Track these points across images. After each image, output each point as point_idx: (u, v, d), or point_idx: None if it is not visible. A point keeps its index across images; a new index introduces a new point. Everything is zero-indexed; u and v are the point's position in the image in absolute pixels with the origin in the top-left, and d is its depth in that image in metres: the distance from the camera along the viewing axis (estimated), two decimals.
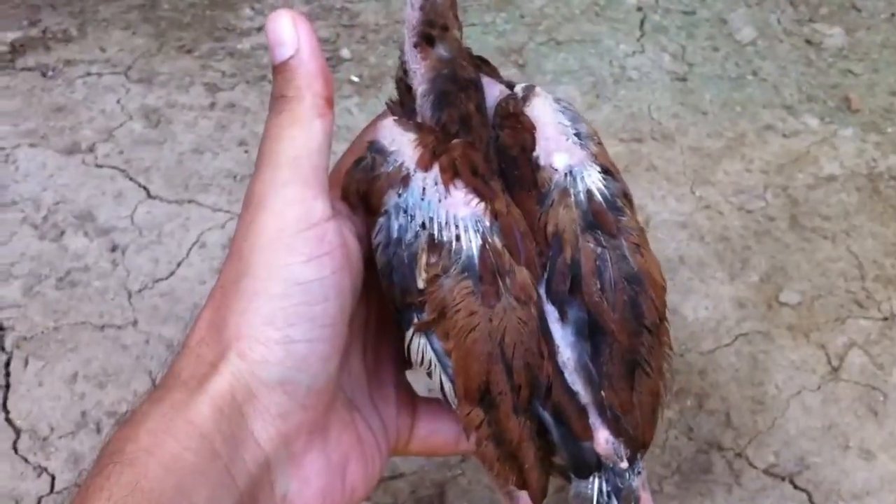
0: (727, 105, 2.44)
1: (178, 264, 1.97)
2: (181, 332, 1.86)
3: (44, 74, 2.36)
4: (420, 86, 0.89)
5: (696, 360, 1.87)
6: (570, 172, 0.84)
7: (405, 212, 0.80)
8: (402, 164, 0.83)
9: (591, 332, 0.80)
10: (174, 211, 2.07)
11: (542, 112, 0.89)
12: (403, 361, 0.89)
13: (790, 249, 2.10)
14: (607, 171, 0.87)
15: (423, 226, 0.79)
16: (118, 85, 2.34)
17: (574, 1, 2.69)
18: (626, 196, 0.89)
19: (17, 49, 2.43)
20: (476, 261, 0.77)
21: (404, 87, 0.92)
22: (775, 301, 2.00)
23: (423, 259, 0.78)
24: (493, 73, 0.96)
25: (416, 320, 0.79)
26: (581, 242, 0.81)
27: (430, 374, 0.82)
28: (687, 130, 2.37)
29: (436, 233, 0.78)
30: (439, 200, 0.80)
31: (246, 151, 2.20)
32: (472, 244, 0.78)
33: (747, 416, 1.78)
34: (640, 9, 2.69)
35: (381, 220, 0.82)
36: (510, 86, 0.97)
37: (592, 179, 0.84)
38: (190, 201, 2.09)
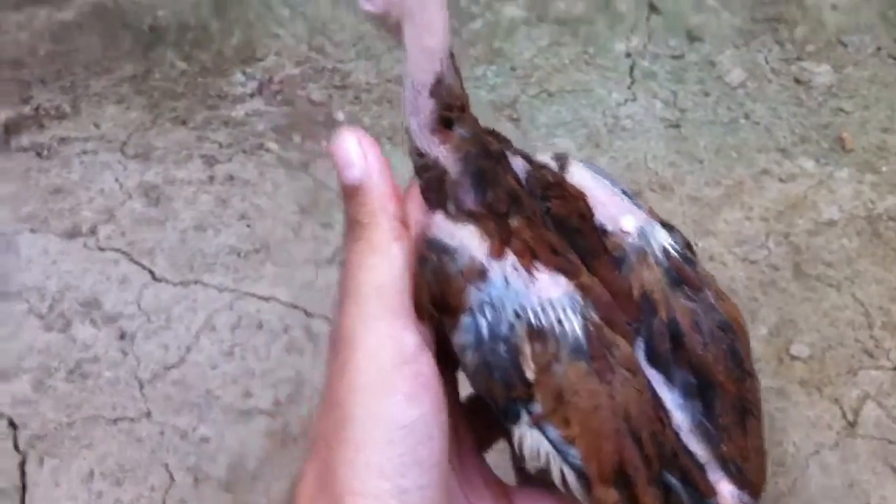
0: (722, 151, 2.45)
1: (188, 349, 1.97)
2: (196, 421, 1.86)
3: (39, 154, 2.35)
4: (450, 169, 0.89)
5: None
6: (642, 233, 0.83)
7: (491, 305, 0.79)
8: (472, 257, 0.82)
9: (699, 389, 0.79)
10: (180, 293, 2.06)
11: (584, 178, 0.90)
12: (483, 457, 0.88)
13: (796, 300, 2.12)
14: (667, 226, 0.89)
15: (516, 315, 0.79)
16: (115, 162, 2.33)
17: (563, 51, 2.70)
18: (689, 246, 0.90)
19: (10, 129, 2.41)
20: (583, 340, 0.75)
21: (428, 172, 0.91)
22: (786, 354, 2.01)
23: (528, 349, 0.76)
24: (505, 142, 0.96)
25: (525, 414, 0.78)
26: (672, 301, 0.80)
27: (544, 469, 0.81)
28: (684, 179, 2.38)
29: (533, 320, 0.77)
30: (526, 287, 0.79)
31: (248, 226, 2.20)
32: (574, 324, 0.76)
33: (768, 478, 1.78)
34: (629, 55, 2.71)
35: (465, 319, 0.80)
36: (524, 155, 0.97)
37: (662, 236, 0.82)
38: (196, 282, 2.08)
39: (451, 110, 0.84)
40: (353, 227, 0.76)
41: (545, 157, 0.94)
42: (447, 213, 0.85)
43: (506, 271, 0.79)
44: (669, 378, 0.81)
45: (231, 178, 2.31)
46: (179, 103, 2.51)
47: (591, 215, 0.87)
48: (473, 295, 0.80)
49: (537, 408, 0.78)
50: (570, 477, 0.81)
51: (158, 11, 2.78)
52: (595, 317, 0.79)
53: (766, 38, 2.76)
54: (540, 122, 2.50)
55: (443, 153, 0.84)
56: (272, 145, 2.41)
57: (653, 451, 0.78)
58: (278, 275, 2.11)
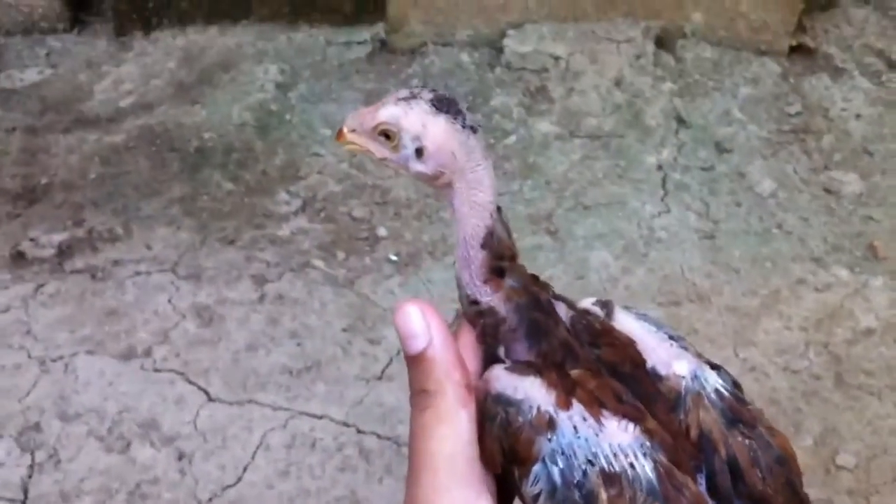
0: (757, 261, 2.51)
1: (245, 468, 2.01)
2: None
3: (93, 276, 2.43)
4: (505, 318, 0.91)
5: None
6: (695, 376, 0.90)
7: (563, 454, 0.83)
8: (539, 408, 0.88)
9: None
10: (235, 413, 2.11)
11: (630, 324, 0.95)
12: None
13: (839, 409, 2.15)
14: (715, 367, 0.92)
15: (589, 462, 0.82)
16: (167, 283, 2.40)
17: (596, 165, 2.79)
18: (737, 385, 0.96)
19: (64, 251, 2.50)
20: (656, 483, 0.81)
21: (484, 318, 0.97)
22: (832, 465, 2.03)
23: (604, 494, 0.81)
24: (545, 288, 1.01)
25: None
26: (731, 439, 0.87)
27: None
28: (722, 290, 2.43)
29: (606, 466, 0.82)
30: (596, 434, 0.83)
31: (298, 344, 2.26)
32: (646, 468, 0.82)
33: None
34: (660, 167, 2.79)
35: (536, 468, 0.85)
36: (566, 301, 1.03)
37: (714, 378, 0.90)
38: (250, 401, 2.13)
39: (502, 259, 0.92)
40: (420, 395, 0.80)
41: (587, 303, 1.00)
42: (507, 367, 0.89)
43: (574, 420, 0.85)
44: None
45: (280, 297, 2.37)
46: (227, 223, 2.59)
47: (643, 361, 0.92)
48: (544, 445, 0.84)
49: None
50: None
51: (204, 133, 2.89)
52: (663, 459, 0.84)
53: (793, 149, 2.84)
54: (577, 235, 2.57)
55: (495, 301, 0.91)
56: (318, 262, 2.48)
57: None
58: (329, 392, 2.16)
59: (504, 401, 0.87)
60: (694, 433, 0.88)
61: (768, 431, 0.91)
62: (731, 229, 2.60)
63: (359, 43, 3.26)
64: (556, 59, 3.08)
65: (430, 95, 0.88)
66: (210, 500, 1.95)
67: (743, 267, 2.49)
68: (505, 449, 0.87)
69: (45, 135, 2.88)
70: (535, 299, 0.92)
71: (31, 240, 2.52)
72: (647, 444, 0.84)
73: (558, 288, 0.95)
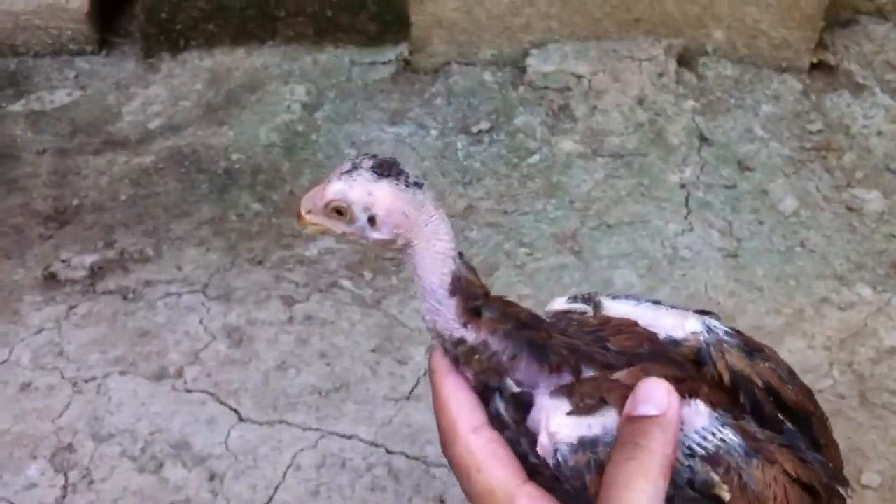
0: (780, 280, 2.52)
1: (276, 489, 2.04)
2: None
3: (125, 297, 2.47)
4: (501, 350, 0.94)
5: None
6: (709, 328, 0.99)
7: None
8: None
9: (798, 422, 0.99)
10: (266, 433, 2.14)
11: (622, 308, 1.02)
12: None
13: (864, 428, 2.16)
14: (705, 313, 1.02)
15: (690, 457, 0.88)
16: (198, 304, 2.44)
17: (620, 183, 2.81)
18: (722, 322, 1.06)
19: (95, 273, 2.54)
20: (744, 443, 0.90)
21: (478, 355, 0.95)
22: (858, 484, 2.04)
23: (716, 477, 0.88)
24: (517, 306, 1.01)
25: None
26: (758, 368, 0.98)
27: None
28: (745, 309, 2.45)
29: (704, 452, 0.89)
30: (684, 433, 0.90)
31: (328, 364, 2.29)
32: (730, 435, 0.90)
33: None
34: (683, 186, 2.81)
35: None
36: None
37: (717, 324, 1.01)
38: (280, 422, 2.17)
39: (476, 299, 0.95)
40: (628, 446, 0.82)
41: (558, 305, 1.05)
42: (568, 412, 0.91)
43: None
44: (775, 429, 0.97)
45: (309, 317, 2.41)
46: (256, 244, 2.63)
47: (656, 335, 0.98)
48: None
49: None
50: None
51: (232, 154, 2.93)
52: (732, 420, 0.93)
53: (815, 167, 2.86)
54: (601, 254, 2.59)
55: (482, 337, 0.94)
56: (346, 283, 2.52)
57: (826, 499, 0.95)
58: (359, 413, 2.19)
59: (588, 443, 0.89)
60: (727, 378, 0.97)
61: (770, 350, 1.04)
62: (755, 248, 2.62)
63: (383, 63, 3.30)
64: (579, 77, 3.11)
65: (371, 163, 0.91)
66: None
67: (766, 285, 2.51)
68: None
69: (76, 156, 2.93)
70: (518, 320, 0.95)
71: (63, 261, 2.57)
72: (717, 414, 0.92)
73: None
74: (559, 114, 3.04)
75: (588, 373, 0.93)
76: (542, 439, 0.90)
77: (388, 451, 2.12)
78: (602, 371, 0.93)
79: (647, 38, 3.16)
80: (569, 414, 0.90)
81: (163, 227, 2.68)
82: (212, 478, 2.06)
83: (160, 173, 2.87)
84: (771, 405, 0.97)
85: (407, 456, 2.11)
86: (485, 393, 0.94)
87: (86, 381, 2.26)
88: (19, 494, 2.05)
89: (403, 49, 3.31)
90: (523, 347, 0.94)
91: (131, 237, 2.64)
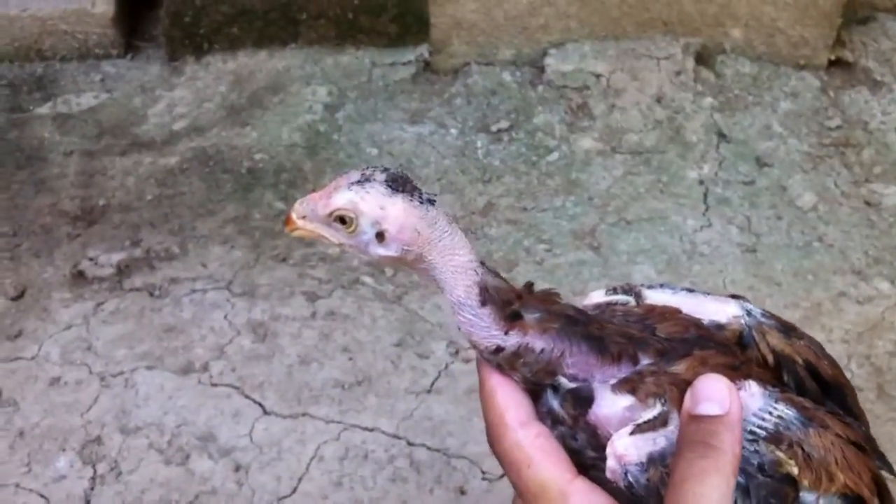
0: (799, 274, 2.54)
1: (300, 479, 2.08)
2: None
3: (151, 294, 2.52)
4: (551, 348, 0.93)
5: None
6: (748, 312, 1.02)
7: None
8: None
9: (834, 394, 1.01)
10: (290, 426, 2.18)
11: (664, 297, 1.03)
12: None
13: (881, 421, 2.17)
14: (738, 297, 1.05)
15: (753, 441, 0.90)
16: (223, 300, 2.48)
17: (638, 180, 2.84)
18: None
19: (122, 270, 2.59)
20: (800, 415, 0.92)
21: (522, 359, 0.94)
22: None
23: (781, 455, 0.90)
24: (557, 298, 1.00)
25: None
26: (797, 347, 1.00)
27: None
28: (764, 303, 2.46)
29: (765, 433, 0.91)
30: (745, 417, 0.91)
31: (350, 359, 2.33)
32: (786, 410, 0.92)
33: None
34: (701, 182, 2.83)
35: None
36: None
37: (753, 306, 1.03)
38: (304, 414, 2.21)
39: (511, 304, 0.93)
40: (699, 445, 0.83)
41: (598, 297, 1.05)
42: (631, 431, 0.91)
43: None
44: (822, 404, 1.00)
45: (332, 313, 2.45)
46: (279, 242, 2.67)
47: (700, 321, 1.00)
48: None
49: (809, 497, 0.92)
50: None
51: (255, 155, 2.98)
52: (782, 394, 0.95)
53: (833, 162, 2.87)
54: (620, 250, 2.61)
55: (530, 338, 0.93)
56: (367, 279, 2.55)
57: (875, 461, 0.98)
58: (381, 406, 2.22)
59: (657, 459, 0.89)
60: (771, 358, 0.99)
61: (800, 329, 1.06)
62: (773, 243, 2.63)
63: (403, 64, 3.34)
64: (598, 76, 3.13)
65: (384, 176, 0.88)
66: None
67: (785, 280, 2.53)
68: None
69: (102, 158, 2.99)
70: (567, 316, 0.94)
71: (91, 259, 2.62)
72: (768, 391, 0.94)
73: None
74: (578, 112, 3.07)
75: (645, 360, 0.93)
76: (611, 464, 0.89)
77: (410, 444, 2.15)
78: (657, 358, 0.93)
79: (664, 37, 3.18)
80: (632, 434, 0.90)
81: (188, 225, 2.72)
82: (237, 469, 2.10)
83: (185, 173, 2.92)
84: (812, 381, 0.99)
85: (428, 448, 2.14)
86: (534, 389, 0.93)
87: (113, 376, 2.31)
88: (48, 486, 2.10)
89: (423, 50, 3.34)
90: (580, 342, 0.93)
91: (157, 236, 2.69)
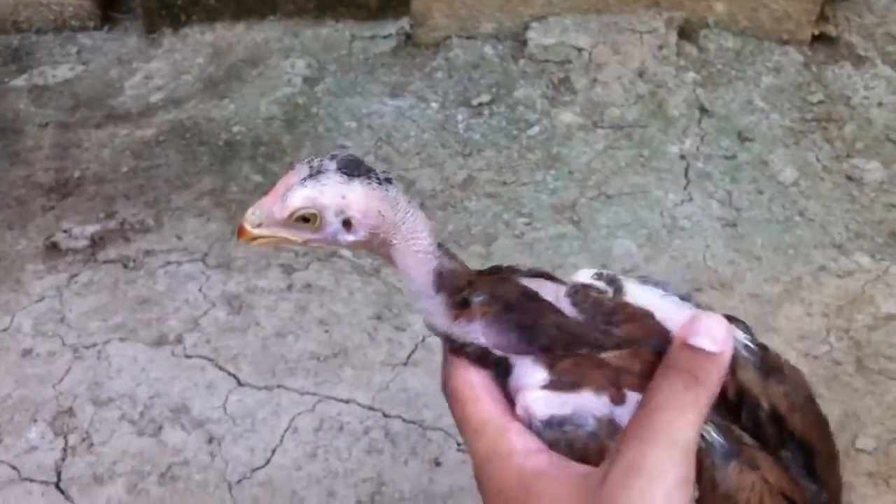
0: (779, 248, 2.52)
1: (273, 451, 2.05)
2: None
3: (125, 266, 2.48)
4: (487, 340, 0.91)
5: None
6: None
7: None
8: (595, 416, 0.87)
9: (804, 454, 0.93)
10: (264, 398, 2.16)
11: (644, 296, 0.96)
12: None
13: (860, 394, 2.16)
14: (732, 319, 0.94)
15: None
16: (198, 272, 2.45)
17: (619, 154, 2.82)
18: (749, 330, 1.00)
19: (97, 242, 2.56)
20: (725, 443, 0.86)
21: (468, 348, 0.93)
22: (852, 448, 2.05)
23: None
24: (516, 273, 0.98)
25: None
26: (770, 390, 0.92)
27: None
28: (744, 277, 2.45)
29: None
30: None
31: (326, 331, 2.30)
32: (713, 433, 0.85)
33: None
34: (682, 157, 2.81)
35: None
36: (548, 276, 1.03)
37: (739, 335, 0.94)
38: (278, 386, 2.18)
39: (461, 291, 0.92)
40: (686, 374, 0.80)
41: (584, 276, 0.98)
42: (545, 384, 0.88)
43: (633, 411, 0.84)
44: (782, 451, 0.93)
45: (308, 285, 2.42)
46: None
47: (667, 331, 0.92)
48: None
49: None
50: None
51: (233, 127, 2.94)
52: (718, 418, 0.88)
53: (815, 137, 2.86)
54: (600, 224, 2.59)
55: (472, 329, 0.91)
56: (345, 252, 2.53)
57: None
58: (357, 378, 2.20)
59: (557, 423, 0.87)
60: (731, 393, 0.90)
61: (792, 372, 0.97)
62: (754, 217, 2.62)
63: (384, 37, 3.30)
64: (580, 50, 3.11)
65: (335, 164, 0.86)
66: (239, 481, 2.00)
67: (765, 254, 2.51)
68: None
69: (78, 130, 2.95)
70: (506, 302, 0.92)
71: (65, 231, 2.58)
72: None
73: None
74: (559, 86, 3.05)
75: (606, 356, 0.89)
76: (519, 411, 0.88)
77: (385, 415, 2.13)
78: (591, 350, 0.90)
79: (647, 11, 3.16)
80: (543, 388, 0.88)
81: (164, 198, 2.69)
82: (210, 440, 2.07)
83: (161, 146, 2.88)
84: (772, 428, 0.92)
85: (404, 420, 2.12)
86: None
87: (86, 348, 2.28)
88: (20, 458, 2.07)
89: (404, 23, 3.31)
90: (511, 330, 0.91)
91: (132, 208, 2.66)
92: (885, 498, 1.94)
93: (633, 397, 0.85)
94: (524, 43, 3.19)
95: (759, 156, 2.81)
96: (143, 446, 2.07)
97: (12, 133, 2.92)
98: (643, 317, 0.93)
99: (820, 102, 2.96)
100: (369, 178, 0.86)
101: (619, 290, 0.96)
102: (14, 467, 2.05)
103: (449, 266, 0.91)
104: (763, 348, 0.96)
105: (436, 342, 2.27)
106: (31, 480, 2.02)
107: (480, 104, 3.02)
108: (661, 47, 3.09)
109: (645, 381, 0.85)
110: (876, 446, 2.05)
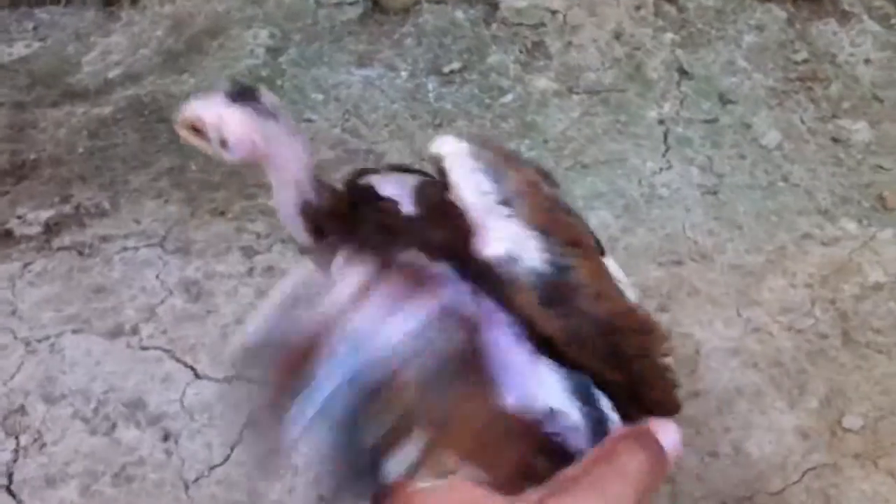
0: (762, 216, 2.42)
1: (232, 448, 1.96)
2: None
3: (80, 253, 2.38)
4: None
5: (767, 501, 1.83)
6: (510, 258, 0.96)
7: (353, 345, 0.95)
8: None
9: (598, 384, 0.95)
10: (223, 390, 2.06)
11: (464, 189, 1.01)
12: None
13: (846, 369, 2.07)
14: (544, 231, 0.98)
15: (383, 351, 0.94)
16: (155, 258, 2.35)
17: (596, 121, 2.70)
18: (571, 243, 1.00)
19: (51, 228, 2.45)
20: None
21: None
22: (839, 427, 1.96)
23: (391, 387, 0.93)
24: (372, 171, 1.14)
25: None
26: (547, 322, 0.94)
27: None
28: (725, 248, 2.35)
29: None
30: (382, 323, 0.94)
31: None
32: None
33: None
34: (661, 122, 2.69)
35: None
36: (400, 168, 1.21)
37: (533, 255, 0.96)
38: (238, 378, 2.08)
39: (319, 221, 1.07)
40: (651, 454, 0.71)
41: (439, 146, 1.11)
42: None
43: (372, 311, 0.91)
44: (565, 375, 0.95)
45: (270, 268, 2.32)
46: (217, 194, 2.53)
47: (471, 240, 0.98)
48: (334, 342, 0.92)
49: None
50: None
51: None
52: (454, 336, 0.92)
53: (800, 98, 2.74)
54: (576, 195, 2.48)
55: (326, 249, 1.06)
56: None
57: None
58: None
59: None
60: (514, 312, 0.96)
61: (594, 299, 0.97)
62: (735, 183, 2.51)
63: (350, 4, 3.17)
64: (553, 13, 2.98)
65: (227, 88, 1.00)
66: (196, 480, 1.91)
67: (747, 223, 2.41)
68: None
69: (33, 109, 2.83)
70: (332, 213, 1.06)
71: (19, 217, 2.48)
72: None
73: None
74: (533, 51, 2.92)
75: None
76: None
77: None
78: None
79: None
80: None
81: (120, 179, 2.58)
82: (166, 438, 1.98)
83: (119, 124, 2.77)
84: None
85: None
86: None
87: (39, 341, 2.18)
88: None
89: None
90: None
91: (88, 191, 2.55)
92: (873, 479, 1.86)
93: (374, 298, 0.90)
94: (496, 6, 3.06)
95: (741, 118, 2.69)
96: (97, 445, 1.98)
97: None
98: (454, 218, 0.99)
99: (804, 61, 2.84)
100: (252, 108, 0.98)
101: (443, 173, 1.04)
102: None
103: (315, 201, 1.05)
104: (563, 270, 0.97)
105: None
106: None
107: (451, 72, 2.90)
108: (638, 7, 2.96)
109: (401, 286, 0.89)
110: (864, 424, 1.96)
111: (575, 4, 2.97)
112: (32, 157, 2.67)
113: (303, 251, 1.14)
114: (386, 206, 1.03)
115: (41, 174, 2.62)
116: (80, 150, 2.68)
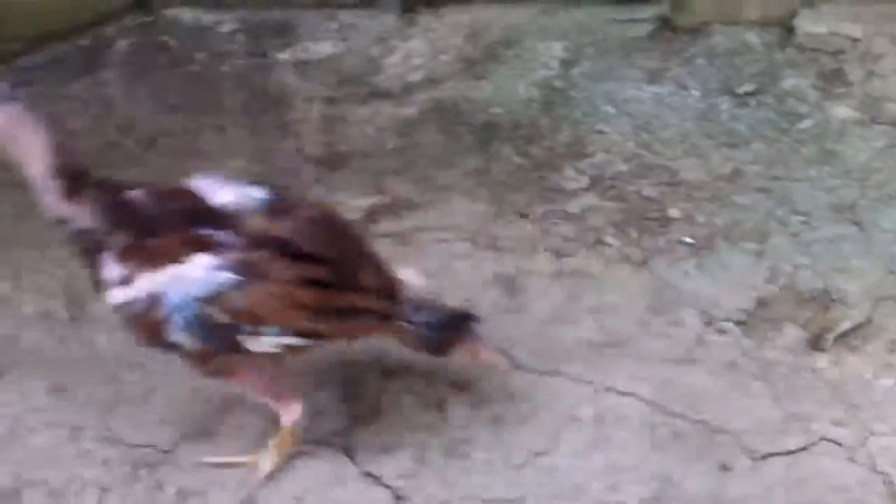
0: None
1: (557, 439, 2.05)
2: None
3: (399, 241, 2.53)
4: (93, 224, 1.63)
5: None
6: (240, 197, 1.71)
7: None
8: None
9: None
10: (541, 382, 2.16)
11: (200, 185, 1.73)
12: None
13: None
14: (264, 185, 1.80)
15: (197, 301, 1.65)
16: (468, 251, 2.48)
17: None
18: (286, 188, 1.83)
19: (370, 216, 2.61)
20: (239, 279, 1.64)
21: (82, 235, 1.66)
22: None
23: (214, 310, 1.65)
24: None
25: None
26: (273, 226, 1.68)
27: None
28: None
29: (208, 294, 1.65)
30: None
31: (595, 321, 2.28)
32: (227, 275, 1.63)
33: None
34: None
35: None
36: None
37: (257, 193, 1.70)
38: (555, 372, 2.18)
39: (74, 179, 1.55)
40: None
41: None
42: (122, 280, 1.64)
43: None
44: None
45: (576, 272, 2.41)
46: (519, 196, 2.64)
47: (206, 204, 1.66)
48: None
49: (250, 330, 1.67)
50: None
51: (492, 109, 2.96)
52: (233, 259, 1.63)
53: None
54: (885, 227, 2.46)
55: (79, 212, 1.57)
56: (611, 240, 2.50)
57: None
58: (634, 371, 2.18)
59: (122, 307, 1.66)
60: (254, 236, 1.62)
61: (309, 208, 1.74)
62: None
63: (641, 21, 3.24)
64: (854, 40, 2.97)
65: None
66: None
67: None
68: None
69: (343, 105, 3.02)
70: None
71: (338, 203, 2.65)
72: (218, 262, 1.59)
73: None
74: (831, 78, 2.92)
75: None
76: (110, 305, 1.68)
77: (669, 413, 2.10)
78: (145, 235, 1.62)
79: None
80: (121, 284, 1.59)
81: (430, 176, 2.73)
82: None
83: (423, 124, 2.93)
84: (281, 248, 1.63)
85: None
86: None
87: None
88: None
89: (662, 7, 3.24)
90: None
91: (400, 184, 2.71)
92: None
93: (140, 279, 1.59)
94: (791, 31, 3.07)
95: None
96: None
97: (282, 105, 3.03)
98: (186, 195, 1.70)
99: None
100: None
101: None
102: None
103: (66, 164, 1.55)
104: (281, 198, 1.71)
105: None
106: None
107: (745, 94, 2.93)
108: None
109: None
110: None
111: (878, 34, 2.95)
112: (344, 149, 2.86)
113: (60, 223, 1.59)
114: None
115: (353, 166, 2.80)
116: (390, 146, 2.85)
